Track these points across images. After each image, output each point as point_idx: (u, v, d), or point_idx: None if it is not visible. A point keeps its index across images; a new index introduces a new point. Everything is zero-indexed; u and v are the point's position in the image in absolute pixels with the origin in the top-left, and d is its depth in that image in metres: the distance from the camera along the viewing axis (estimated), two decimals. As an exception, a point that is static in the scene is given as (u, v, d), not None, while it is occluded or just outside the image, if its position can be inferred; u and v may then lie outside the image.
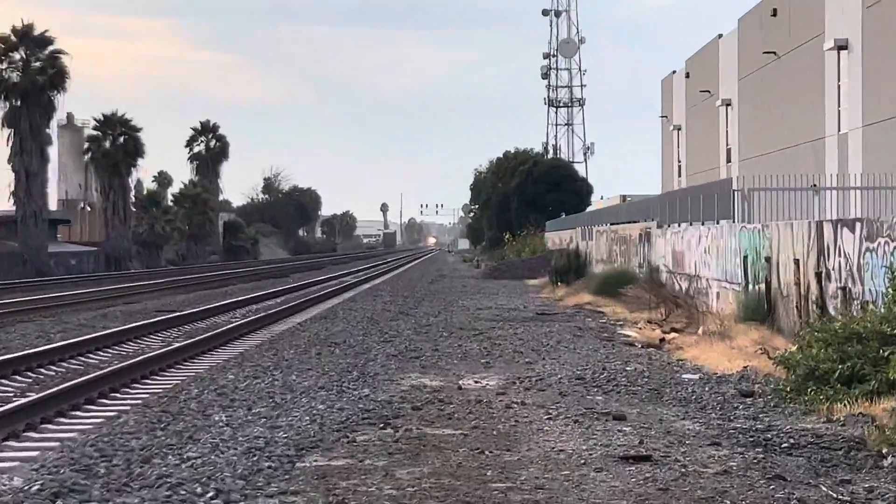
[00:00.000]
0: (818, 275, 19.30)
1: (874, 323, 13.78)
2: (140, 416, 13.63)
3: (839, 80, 40.64)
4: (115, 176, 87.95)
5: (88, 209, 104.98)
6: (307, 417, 13.37)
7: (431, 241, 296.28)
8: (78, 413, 14.57)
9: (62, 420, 14.03)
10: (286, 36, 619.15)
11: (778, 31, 47.47)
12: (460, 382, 16.69)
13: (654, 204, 38.12)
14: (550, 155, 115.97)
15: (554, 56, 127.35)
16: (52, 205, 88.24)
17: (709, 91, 59.98)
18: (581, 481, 10.06)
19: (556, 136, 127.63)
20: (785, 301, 21.30)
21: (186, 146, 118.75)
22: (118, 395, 16.23)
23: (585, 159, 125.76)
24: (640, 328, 25.86)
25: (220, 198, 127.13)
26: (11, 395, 16.25)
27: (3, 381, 17.61)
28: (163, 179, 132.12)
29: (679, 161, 69.12)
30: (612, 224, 46.14)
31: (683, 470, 10.40)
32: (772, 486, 9.81)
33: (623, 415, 13.41)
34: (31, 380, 17.96)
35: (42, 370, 19.10)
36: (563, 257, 50.10)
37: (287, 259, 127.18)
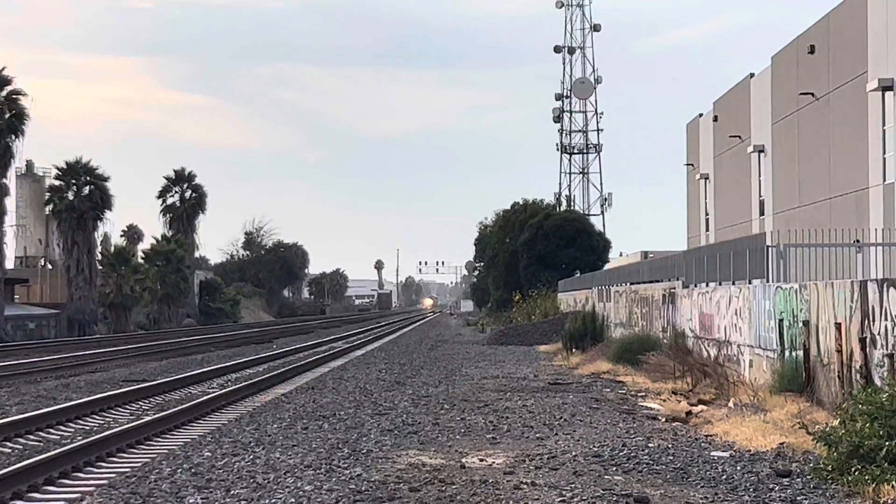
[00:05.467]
0: (862, 340, 19.30)
1: (925, 394, 13.78)
2: (106, 499, 13.59)
3: (884, 124, 40.84)
4: (79, 230, 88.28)
5: (49, 267, 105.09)
6: (292, 500, 13.34)
7: (428, 302, 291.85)
8: (36, 495, 14.52)
9: None
10: (270, 76, 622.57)
11: (816, 69, 47.78)
12: (464, 460, 16.64)
13: (678, 261, 38.18)
14: (563, 206, 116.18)
15: (567, 97, 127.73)
16: (10, 262, 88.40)
17: (739, 136, 60.29)
18: (598, 571, 10.02)
19: (569, 185, 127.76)
20: (825, 370, 21.28)
21: (159, 197, 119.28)
22: (81, 474, 16.18)
23: (602, 212, 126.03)
24: (664, 400, 25.81)
25: (196, 254, 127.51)
26: (-38, 474, 16.20)
27: (-48, 458, 17.58)
28: (132, 234, 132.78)
29: (706, 214, 69.34)
30: (631, 283, 46.19)
31: (713, 559, 10.38)
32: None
33: (646, 497, 13.37)
34: (-16, 457, 17.93)
35: (-4, 447, 19.07)
36: (578, 321, 50.11)
37: (271, 322, 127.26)
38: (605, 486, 14.20)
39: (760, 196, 57.20)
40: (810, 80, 48.36)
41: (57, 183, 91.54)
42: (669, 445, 18.07)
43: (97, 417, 23.95)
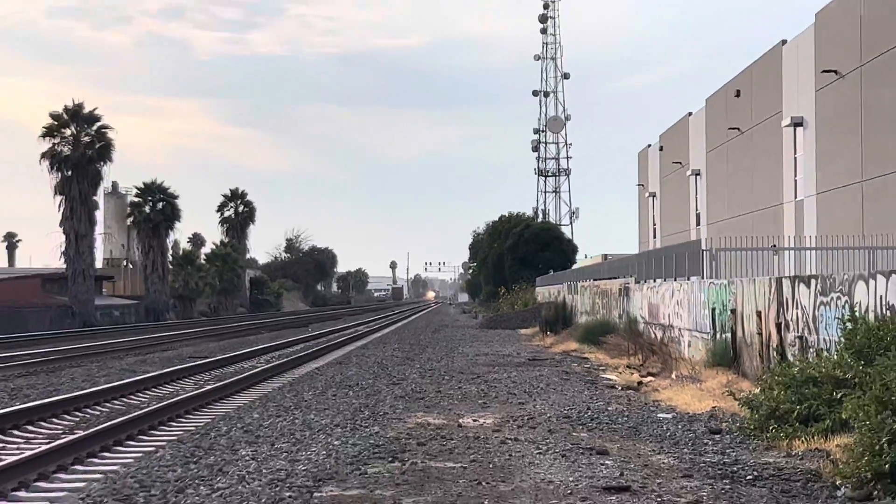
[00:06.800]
0: (778, 325, 19.31)
1: (828, 368, 13.77)
2: (175, 451, 13.59)
3: (795, 153, 40.86)
4: (154, 237, 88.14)
5: (130, 267, 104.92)
6: (324, 452, 13.33)
7: (430, 295, 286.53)
8: (120, 448, 14.52)
9: (106, 455, 13.98)
10: (307, 114, 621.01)
11: (741, 109, 47.79)
12: (460, 420, 16.63)
13: (632, 262, 38.16)
14: (540, 219, 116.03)
15: (543, 131, 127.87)
16: (98, 263, 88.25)
17: (680, 162, 60.25)
18: (568, 509, 10.00)
19: (545, 201, 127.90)
20: (749, 348, 21.28)
21: (217, 211, 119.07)
22: (156, 432, 16.18)
23: (571, 222, 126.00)
24: (620, 372, 25.79)
25: (248, 256, 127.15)
26: (60, 432, 16.21)
27: (53, 419, 17.58)
28: (196, 240, 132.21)
29: (654, 224, 69.27)
30: (594, 280, 46.14)
31: (659, 500, 10.36)
32: (738, 514, 9.75)
33: (605, 449, 13.36)
34: (78, 419, 17.92)
35: (88, 410, 19.07)
36: (552, 309, 50.06)
37: (307, 311, 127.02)
38: (573, 441, 14.19)
39: (697, 210, 57.15)
40: (736, 117, 48.35)
41: (136, 199, 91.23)
42: (624, 409, 18.06)
43: (168, 386, 23.93)
